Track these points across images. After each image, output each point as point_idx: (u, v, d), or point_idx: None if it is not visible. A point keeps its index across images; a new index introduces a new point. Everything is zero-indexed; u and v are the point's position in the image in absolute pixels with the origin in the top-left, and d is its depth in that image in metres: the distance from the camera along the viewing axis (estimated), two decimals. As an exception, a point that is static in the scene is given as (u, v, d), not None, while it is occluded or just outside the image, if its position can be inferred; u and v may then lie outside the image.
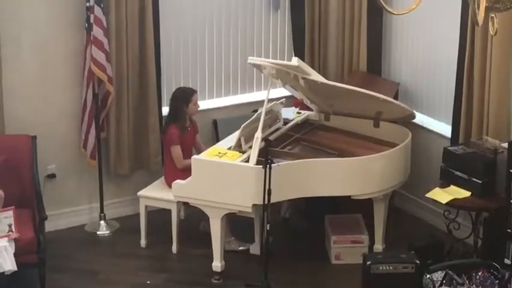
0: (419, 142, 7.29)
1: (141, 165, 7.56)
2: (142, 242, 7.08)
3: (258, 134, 6.34)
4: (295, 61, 6.42)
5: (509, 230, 5.99)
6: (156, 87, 7.39)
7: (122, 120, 7.33)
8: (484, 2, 3.59)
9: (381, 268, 6.09)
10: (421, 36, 7.44)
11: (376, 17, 7.65)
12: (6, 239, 5.95)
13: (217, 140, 7.39)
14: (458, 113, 6.88)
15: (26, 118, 6.98)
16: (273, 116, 6.99)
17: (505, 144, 6.10)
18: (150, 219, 7.06)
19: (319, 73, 7.08)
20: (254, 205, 6.26)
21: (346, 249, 6.79)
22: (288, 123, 7.19)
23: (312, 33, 8.05)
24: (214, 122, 7.79)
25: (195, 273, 6.67)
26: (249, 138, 6.50)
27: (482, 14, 3.60)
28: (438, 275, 5.67)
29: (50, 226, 6.85)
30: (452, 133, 6.98)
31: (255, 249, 6.87)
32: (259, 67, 6.70)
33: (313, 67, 7.44)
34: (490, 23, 3.88)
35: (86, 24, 6.95)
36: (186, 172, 6.59)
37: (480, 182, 6.26)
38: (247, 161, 6.31)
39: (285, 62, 6.85)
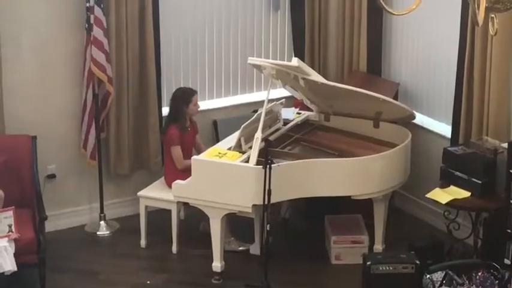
0: (419, 142, 7.29)
1: (141, 165, 7.56)
2: (143, 242, 7.08)
3: (258, 135, 6.34)
4: (295, 61, 6.42)
5: (509, 230, 5.99)
6: (156, 87, 7.39)
7: (121, 121, 7.33)
8: (484, 3, 3.60)
9: (380, 268, 6.09)
10: (421, 37, 7.44)
11: (376, 17, 7.65)
12: (6, 239, 5.95)
13: (217, 141, 7.39)
14: (458, 114, 6.88)
15: (26, 118, 6.98)
16: (273, 117, 6.99)
17: (505, 145, 6.09)
18: (150, 220, 7.06)
19: (319, 73, 7.08)
20: (254, 205, 6.26)
21: (346, 250, 6.79)
22: (288, 123, 7.19)
23: (312, 33, 8.05)
24: (214, 123, 7.79)
25: (195, 273, 6.67)
26: (249, 138, 6.50)
27: (482, 14, 3.61)
28: (438, 275, 5.67)
29: (50, 226, 6.85)
30: (452, 133, 6.98)
31: (255, 249, 6.87)
32: (259, 67, 6.70)
33: (313, 67, 7.44)
34: (490, 23, 3.89)
35: (86, 25, 6.95)
36: (186, 172, 6.59)
37: (480, 182, 6.26)
38: (247, 161, 6.31)
39: (285, 63, 6.85)
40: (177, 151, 6.91)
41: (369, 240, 6.82)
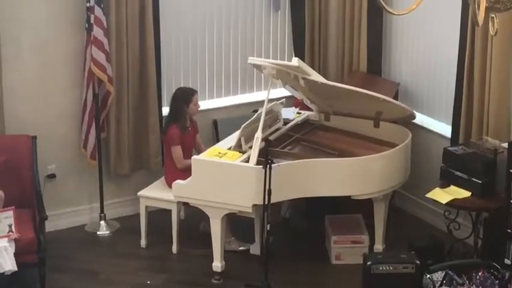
0: (420, 142, 7.29)
1: (141, 165, 7.56)
2: (143, 242, 7.08)
3: (258, 134, 6.34)
4: (295, 61, 6.42)
5: (509, 230, 5.99)
6: (156, 87, 7.39)
7: (122, 121, 7.33)
8: (484, 2, 3.59)
9: (381, 268, 6.09)
10: (421, 37, 7.44)
11: (376, 17, 7.65)
12: (7, 239, 5.95)
13: (218, 140, 7.39)
14: (458, 113, 6.88)
15: (26, 118, 6.98)
16: (273, 116, 6.99)
17: (505, 145, 6.10)
18: (150, 220, 7.06)
19: (319, 73, 7.09)
20: (254, 205, 6.26)
21: (346, 250, 6.79)
22: (288, 123, 7.19)
23: (312, 33, 8.05)
24: (215, 122, 7.79)
25: (195, 273, 6.67)
26: (249, 138, 6.50)
27: (482, 14, 3.61)
28: (438, 275, 5.67)
29: (50, 226, 6.86)
30: (452, 133, 6.98)
31: (255, 249, 6.87)
32: (259, 67, 6.70)
33: (313, 67, 7.44)
34: (490, 23, 3.88)
35: (86, 25, 6.95)
36: (186, 172, 6.59)
37: (480, 182, 6.26)
38: (247, 161, 6.31)
39: (285, 62, 6.85)
40: (177, 151, 6.91)
41: (369, 240, 6.82)
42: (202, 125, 7.41)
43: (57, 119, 7.19)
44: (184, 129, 6.98)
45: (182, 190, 6.47)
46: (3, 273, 5.87)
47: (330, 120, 7.25)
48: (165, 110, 7.36)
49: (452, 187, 6.39)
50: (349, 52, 7.92)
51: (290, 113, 7.35)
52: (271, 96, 6.62)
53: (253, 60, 6.70)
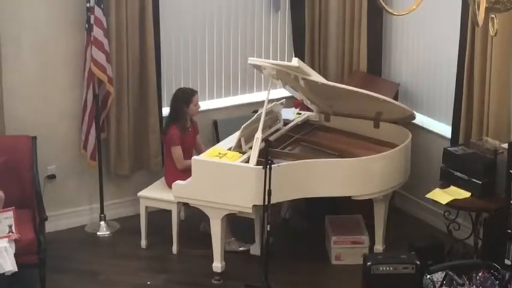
0: (420, 143, 7.29)
1: (142, 165, 7.56)
2: (143, 243, 7.08)
3: (258, 135, 6.34)
4: (295, 62, 6.42)
5: (509, 231, 5.98)
6: (156, 87, 7.39)
7: (122, 121, 7.33)
8: (484, 3, 3.59)
9: (381, 269, 6.09)
10: (421, 37, 7.44)
11: (376, 17, 7.65)
12: (7, 239, 5.95)
13: (218, 141, 7.39)
14: (458, 114, 6.88)
15: (26, 119, 6.98)
16: (273, 117, 6.99)
17: (505, 145, 6.09)
18: (151, 220, 7.06)
19: (319, 74, 7.08)
20: (254, 206, 6.26)
21: (346, 250, 6.79)
22: (288, 123, 7.19)
23: (312, 33, 8.05)
24: (215, 123, 7.79)
25: (195, 273, 6.67)
26: (249, 138, 6.50)
27: (482, 14, 3.61)
28: (438, 276, 5.67)
29: (50, 227, 6.86)
30: (452, 134, 6.98)
31: (255, 249, 6.87)
32: (259, 68, 6.70)
33: (313, 68, 7.44)
34: (490, 24, 3.88)
35: (86, 25, 6.95)
36: (186, 173, 6.59)
37: (480, 182, 6.25)
38: (247, 161, 6.31)
39: (285, 63, 6.85)
40: (177, 151, 6.91)
41: (369, 241, 6.82)
42: (202, 126, 7.41)
43: (57, 120, 7.19)
44: (184, 130, 6.98)
45: (182, 190, 6.47)
46: (3, 273, 5.87)
47: (330, 121, 7.25)
48: (165, 111, 7.36)
49: (452, 187, 6.39)
50: (349, 52, 7.92)
51: (290, 114, 7.35)
52: (271, 97, 6.62)
53: (253, 60, 6.70)
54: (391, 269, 6.09)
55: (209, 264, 6.53)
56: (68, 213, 7.38)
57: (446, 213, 6.50)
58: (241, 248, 6.98)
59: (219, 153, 6.43)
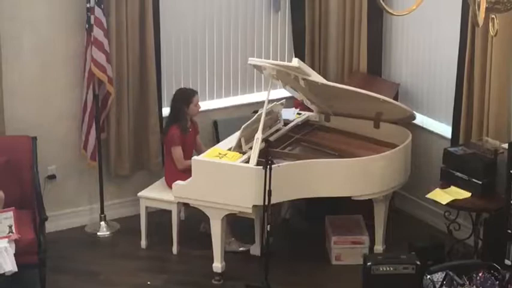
0: (420, 143, 7.29)
1: (142, 166, 7.56)
2: (143, 243, 7.08)
3: (259, 135, 6.34)
4: (295, 62, 6.42)
5: (509, 231, 5.98)
6: (156, 88, 7.39)
7: (122, 121, 7.33)
8: (484, 3, 3.59)
9: (381, 269, 6.09)
10: (421, 37, 7.44)
11: (377, 18, 7.65)
12: (7, 240, 5.95)
13: (218, 141, 7.39)
14: (458, 114, 6.88)
15: (26, 119, 6.98)
16: (273, 117, 6.99)
17: (505, 145, 6.09)
18: (151, 220, 7.06)
19: (319, 74, 7.08)
20: (254, 206, 6.26)
21: (346, 250, 6.79)
22: (288, 124, 7.19)
23: (312, 34, 8.05)
24: (215, 123, 7.79)
25: (195, 274, 6.67)
26: (249, 139, 6.50)
27: (482, 14, 3.61)
28: (438, 276, 5.67)
29: (50, 227, 6.86)
30: (452, 134, 6.98)
31: (255, 250, 6.87)
32: (259, 68, 6.70)
33: (313, 68, 7.44)
34: (490, 24, 3.88)
35: (87, 25, 6.95)
36: (186, 173, 6.59)
37: (480, 182, 6.25)
38: (247, 161, 6.31)
39: (285, 63, 6.84)
40: (177, 151, 6.91)
41: (369, 241, 6.82)
42: (202, 126, 7.41)
43: (58, 120, 7.19)
44: (184, 130, 6.97)
45: (182, 191, 6.47)
46: (3, 274, 5.88)
47: (330, 121, 7.25)
48: (165, 111, 7.36)
49: (452, 188, 6.39)
50: (349, 53, 7.92)
51: (290, 114, 7.35)
52: (271, 97, 6.62)
53: (253, 61, 6.70)
54: (391, 269, 6.09)
55: (209, 265, 6.53)
56: (68, 214, 7.38)
57: (446, 214, 6.50)
58: (241, 248, 6.98)
59: (219, 154, 6.43)
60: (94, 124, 7.13)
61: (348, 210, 7.11)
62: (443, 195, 6.32)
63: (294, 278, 6.60)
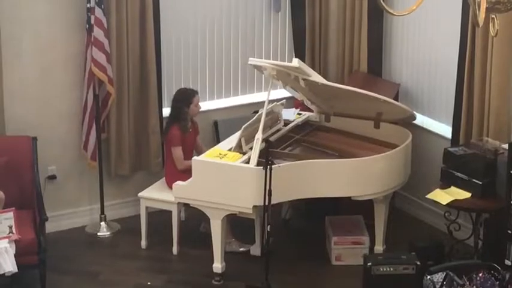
0: (420, 143, 7.29)
1: (142, 166, 7.56)
2: (143, 243, 7.08)
3: (259, 135, 6.34)
4: (295, 62, 6.41)
5: (509, 231, 5.98)
6: (156, 88, 7.39)
7: (122, 122, 7.33)
8: (484, 3, 3.59)
9: (381, 269, 6.09)
10: (421, 37, 7.44)
11: (377, 18, 7.65)
12: (7, 240, 5.95)
13: (218, 141, 7.39)
14: (458, 114, 6.88)
15: (26, 119, 6.98)
16: (273, 117, 6.99)
17: (506, 145, 6.09)
18: (151, 221, 7.06)
19: (319, 74, 7.08)
20: (255, 206, 6.26)
21: (346, 250, 6.79)
22: (288, 124, 7.19)
23: (312, 34, 8.05)
24: (215, 123, 7.79)
25: (195, 274, 6.67)
26: (249, 139, 6.49)
27: (482, 15, 3.61)
28: (439, 276, 5.67)
29: (50, 227, 6.86)
30: (452, 134, 6.98)
31: (255, 250, 6.87)
32: (259, 68, 6.70)
33: (313, 68, 7.44)
34: (490, 24, 3.88)
35: (87, 26, 6.95)
36: (186, 173, 6.59)
37: (480, 183, 6.25)
38: (247, 162, 6.31)
39: (286, 63, 6.84)
40: (177, 152, 6.91)
41: (369, 241, 6.81)
42: (202, 126, 7.41)
43: (58, 120, 7.19)
44: (185, 130, 6.97)
45: (182, 191, 6.47)
46: (3, 274, 5.87)
47: (331, 121, 7.25)
48: (166, 111, 7.36)
49: (452, 188, 6.39)
50: (350, 53, 7.92)
51: (290, 114, 7.35)
52: (271, 97, 6.61)
53: (253, 61, 6.70)
54: (392, 269, 6.09)
55: (209, 265, 6.53)
56: (69, 214, 7.38)
57: (446, 214, 6.50)
58: (241, 249, 6.98)
59: (220, 154, 6.43)
60: (94, 124, 7.13)
61: (348, 211, 7.11)
62: (443, 196, 6.32)
63: (294, 278, 6.60)
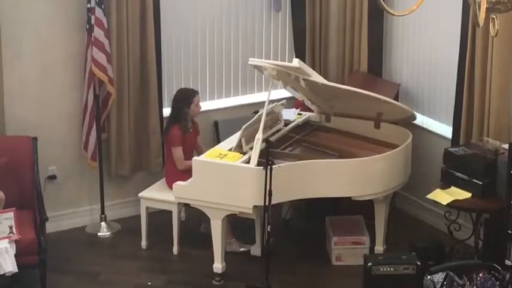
0: (420, 143, 7.29)
1: (142, 166, 7.56)
2: (143, 244, 7.08)
3: (259, 135, 6.34)
4: (296, 62, 6.41)
5: (509, 231, 5.98)
6: (157, 88, 7.39)
7: (122, 122, 7.33)
8: (484, 3, 3.59)
9: (381, 269, 6.09)
10: (421, 37, 7.44)
11: (377, 18, 7.65)
12: (7, 240, 5.95)
13: (218, 141, 7.39)
14: (459, 114, 6.88)
15: (26, 119, 6.98)
16: (273, 117, 6.99)
17: (506, 146, 6.09)
18: (151, 221, 7.06)
19: (319, 74, 7.08)
20: (255, 206, 6.25)
21: (347, 251, 6.78)
22: (288, 124, 7.19)
23: (312, 34, 8.05)
24: (215, 123, 7.79)
25: (195, 274, 6.67)
26: (250, 139, 6.49)
27: (483, 15, 3.60)
28: (439, 276, 5.67)
29: (50, 227, 6.86)
30: (453, 134, 6.98)
31: (255, 250, 6.87)
32: (260, 68, 6.70)
33: (314, 68, 7.44)
34: (490, 24, 3.88)
35: (87, 26, 6.95)
36: (187, 173, 6.59)
37: (481, 183, 6.25)
38: (248, 162, 6.30)
39: (286, 63, 6.84)
40: (178, 152, 6.91)
41: (369, 241, 6.81)
42: (203, 126, 7.41)
43: (58, 120, 7.19)
44: (185, 130, 6.97)
45: (183, 191, 6.47)
46: (3, 274, 5.87)
47: (331, 121, 7.25)
48: (166, 111, 7.36)
49: (452, 188, 6.39)
50: (350, 53, 7.92)
51: (291, 114, 7.35)
52: (272, 98, 6.62)
53: (253, 61, 6.70)
54: (392, 269, 6.09)
55: (210, 265, 6.53)
56: (69, 214, 7.38)
57: (446, 214, 6.50)
58: (241, 249, 6.98)
59: (220, 154, 6.43)
60: (94, 124, 7.13)
61: (349, 211, 7.11)
62: (443, 196, 6.32)
63: (295, 278, 6.60)
